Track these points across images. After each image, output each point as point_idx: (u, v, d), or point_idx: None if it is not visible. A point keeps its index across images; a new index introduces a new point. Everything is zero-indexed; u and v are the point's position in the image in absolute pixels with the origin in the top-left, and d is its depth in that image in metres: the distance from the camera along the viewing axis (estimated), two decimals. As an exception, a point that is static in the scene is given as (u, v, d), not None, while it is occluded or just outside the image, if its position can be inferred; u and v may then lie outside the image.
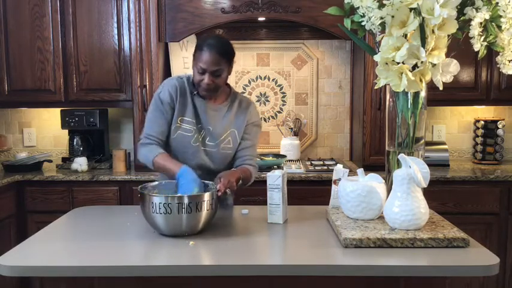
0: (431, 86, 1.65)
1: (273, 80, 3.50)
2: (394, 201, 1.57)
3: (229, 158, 2.05)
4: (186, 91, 2.00)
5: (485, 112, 3.42)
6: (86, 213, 2.03)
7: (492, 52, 2.39)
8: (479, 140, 3.32)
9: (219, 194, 1.70)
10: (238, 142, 2.04)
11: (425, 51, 1.51)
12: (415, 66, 1.55)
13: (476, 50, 1.54)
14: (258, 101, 3.51)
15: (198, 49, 1.90)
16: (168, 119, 1.97)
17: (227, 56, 1.91)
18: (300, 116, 3.46)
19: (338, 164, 1.98)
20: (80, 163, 3.04)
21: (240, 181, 1.93)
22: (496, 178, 2.85)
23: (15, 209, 2.93)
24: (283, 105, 3.51)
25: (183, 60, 3.29)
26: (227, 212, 1.97)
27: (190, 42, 3.35)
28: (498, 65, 1.61)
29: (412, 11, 1.50)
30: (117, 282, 1.55)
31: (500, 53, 1.59)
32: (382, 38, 1.58)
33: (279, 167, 3.01)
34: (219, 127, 2.01)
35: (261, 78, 3.50)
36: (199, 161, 1.99)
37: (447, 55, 1.58)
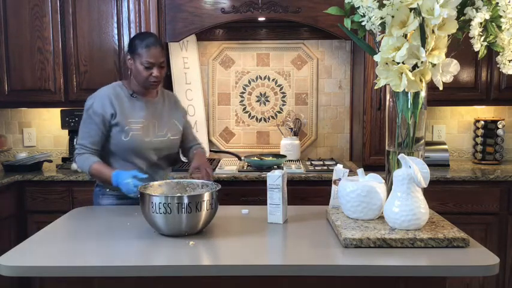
0: (431, 86, 1.65)
1: (273, 80, 3.50)
2: (394, 201, 1.57)
3: (177, 143, 2.28)
4: (122, 96, 2.15)
5: (485, 112, 3.42)
6: (86, 213, 2.03)
7: (492, 52, 2.39)
8: (479, 140, 3.32)
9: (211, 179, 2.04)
10: (180, 130, 2.28)
11: (425, 51, 1.51)
12: (415, 66, 1.55)
13: (476, 50, 1.54)
14: (258, 101, 3.51)
15: (140, 47, 2.07)
16: (102, 129, 2.10)
17: (164, 48, 2.18)
18: (300, 116, 3.46)
19: (338, 164, 1.98)
20: (80, 163, 3.04)
21: None
22: (496, 178, 2.85)
23: (15, 209, 2.93)
24: (283, 105, 3.51)
25: (183, 60, 3.30)
26: (227, 212, 1.97)
27: (190, 42, 3.35)
28: (498, 65, 1.61)
29: (412, 11, 1.50)
30: (117, 282, 1.55)
31: (500, 53, 1.59)
32: (382, 38, 1.58)
33: (279, 167, 3.01)
34: (162, 118, 2.21)
35: (261, 78, 3.50)
36: (149, 155, 2.16)
37: (447, 55, 1.58)
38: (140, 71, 2.08)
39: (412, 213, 1.54)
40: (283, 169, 2.95)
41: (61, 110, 3.22)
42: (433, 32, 1.51)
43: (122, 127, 2.09)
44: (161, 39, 2.27)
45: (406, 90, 1.56)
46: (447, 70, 1.59)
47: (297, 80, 3.49)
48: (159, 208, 1.58)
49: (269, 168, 2.94)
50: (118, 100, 2.12)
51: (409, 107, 1.65)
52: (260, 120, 3.52)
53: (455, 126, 3.48)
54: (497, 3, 1.51)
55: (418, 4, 1.48)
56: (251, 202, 2.59)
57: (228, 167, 3.04)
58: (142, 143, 2.11)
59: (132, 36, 2.98)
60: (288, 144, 3.35)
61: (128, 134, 2.09)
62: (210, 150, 3.19)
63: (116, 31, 3.06)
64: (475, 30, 1.50)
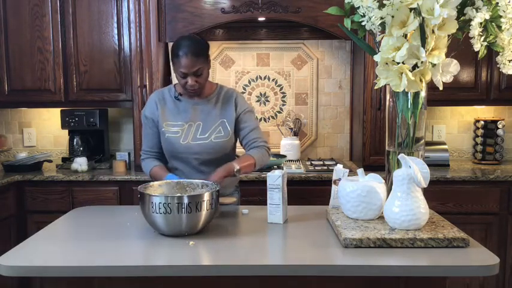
0: (431, 86, 1.65)
1: (273, 80, 3.50)
2: (394, 201, 1.57)
3: (224, 146, 2.13)
4: (166, 99, 2.17)
5: (485, 112, 3.42)
6: (86, 213, 2.03)
7: (492, 52, 2.39)
8: (479, 140, 3.32)
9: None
10: (229, 131, 2.13)
11: (425, 51, 1.51)
12: (415, 66, 1.55)
13: (476, 50, 1.54)
14: (258, 101, 3.51)
15: (174, 56, 2.00)
16: (155, 131, 2.16)
17: (203, 54, 2.03)
18: (300, 116, 3.46)
19: (338, 164, 1.98)
20: (80, 163, 3.04)
21: (237, 173, 2.01)
22: (496, 178, 2.85)
23: (15, 209, 2.93)
24: (283, 105, 3.51)
25: (183, 60, 3.29)
26: (227, 212, 1.97)
27: (190, 42, 3.35)
28: (498, 65, 1.61)
29: (412, 11, 1.50)
30: (117, 282, 1.55)
31: (500, 53, 1.59)
32: (382, 38, 1.58)
33: (279, 167, 3.01)
34: (209, 120, 2.13)
35: (261, 78, 3.50)
36: (188, 158, 2.12)
37: (447, 55, 1.58)
38: (178, 78, 2.05)
39: (412, 213, 1.54)
40: (283, 169, 2.95)
41: (61, 110, 3.22)
42: (433, 32, 1.51)
43: (161, 130, 2.12)
44: (202, 43, 2.02)
45: (406, 90, 1.56)
46: (447, 70, 1.59)
47: (297, 80, 3.49)
48: (159, 208, 1.58)
49: (269, 168, 2.94)
50: (162, 103, 2.15)
51: (409, 107, 1.65)
52: (260, 120, 3.52)
53: (455, 126, 3.48)
54: (497, 3, 1.51)
55: (418, 4, 1.48)
56: (251, 202, 2.59)
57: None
58: (179, 146, 2.09)
59: (133, 36, 2.99)
60: (288, 144, 3.35)
61: (164, 137, 2.12)
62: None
63: (116, 31, 3.06)
64: (475, 30, 1.50)
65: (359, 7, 1.58)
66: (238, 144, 2.26)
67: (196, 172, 2.12)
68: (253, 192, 2.72)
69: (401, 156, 1.56)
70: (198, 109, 2.13)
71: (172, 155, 2.14)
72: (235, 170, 2.01)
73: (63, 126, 3.24)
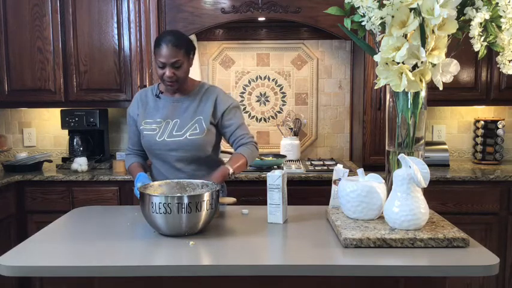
0: (431, 86, 1.65)
1: (273, 80, 3.50)
2: (394, 201, 1.57)
3: (200, 144, 2.09)
4: (148, 97, 2.19)
5: (485, 112, 3.42)
6: (86, 213, 2.03)
7: (492, 52, 2.39)
8: (479, 140, 3.32)
9: None
10: (204, 128, 2.09)
11: (425, 51, 1.51)
12: (415, 66, 1.55)
13: (476, 50, 1.54)
14: (258, 101, 3.51)
15: (156, 46, 2.01)
16: (135, 129, 2.20)
17: (184, 48, 2.02)
18: (300, 116, 3.46)
19: (338, 164, 1.98)
20: (80, 163, 3.04)
21: (232, 175, 2.03)
22: (496, 178, 2.85)
23: (15, 209, 2.93)
24: (283, 105, 3.52)
25: (183, 60, 3.29)
26: (227, 212, 1.97)
27: (190, 42, 3.35)
28: (498, 65, 1.61)
29: (412, 11, 1.50)
30: (117, 282, 1.55)
31: (500, 53, 1.59)
32: (382, 38, 1.58)
33: (279, 167, 3.01)
34: (186, 117, 2.11)
35: (261, 78, 3.50)
36: (165, 155, 2.11)
37: (447, 55, 1.58)
38: (157, 70, 2.05)
39: (412, 213, 1.54)
40: (283, 169, 2.95)
41: (61, 110, 3.22)
42: (433, 32, 1.51)
43: (139, 128, 2.15)
44: (185, 38, 2.04)
45: (406, 90, 1.56)
46: (447, 70, 1.59)
47: (297, 80, 3.49)
48: (159, 208, 1.58)
49: (269, 168, 2.94)
50: (143, 102, 2.17)
51: (409, 107, 1.65)
52: (260, 120, 3.52)
53: (455, 126, 3.48)
54: (497, 3, 1.51)
55: (418, 4, 1.48)
56: (251, 202, 2.59)
57: (228, 167, 3.03)
58: (154, 142, 2.09)
59: (133, 36, 3.00)
60: (288, 144, 3.35)
61: (142, 134, 2.13)
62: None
63: (116, 31, 3.06)
64: (475, 30, 1.50)
65: (359, 7, 1.58)
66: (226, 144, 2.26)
67: (174, 170, 2.11)
68: (253, 192, 2.72)
69: (401, 156, 1.56)
70: (177, 106, 2.12)
71: (151, 153, 2.15)
72: (230, 173, 2.01)
73: (63, 126, 3.24)
